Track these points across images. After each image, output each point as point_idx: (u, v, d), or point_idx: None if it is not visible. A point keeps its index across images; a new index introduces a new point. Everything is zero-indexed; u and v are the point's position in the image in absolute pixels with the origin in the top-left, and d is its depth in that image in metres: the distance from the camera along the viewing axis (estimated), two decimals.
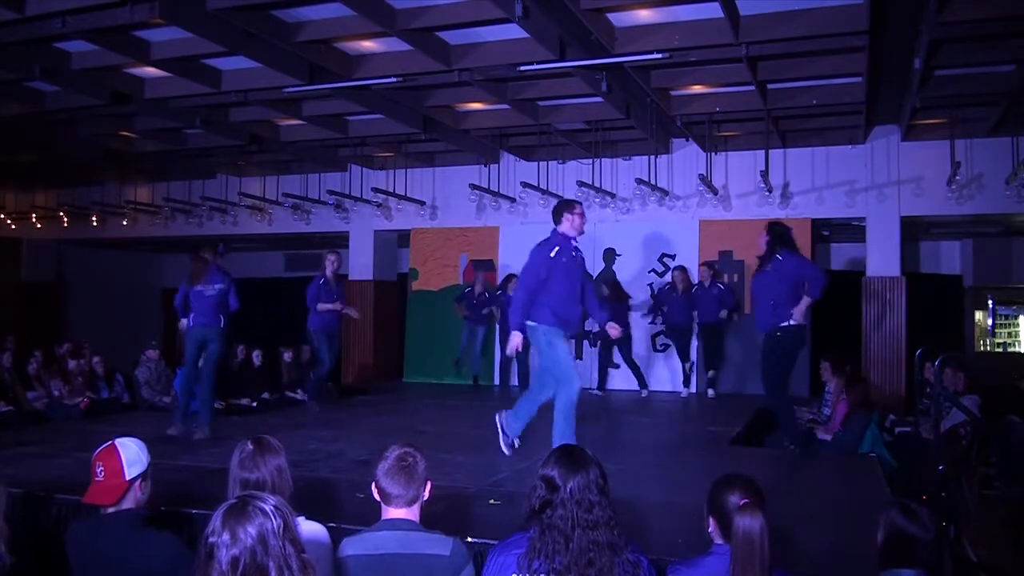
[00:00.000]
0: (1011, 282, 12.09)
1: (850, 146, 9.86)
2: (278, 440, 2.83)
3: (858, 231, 10.43)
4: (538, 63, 6.86)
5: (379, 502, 2.67)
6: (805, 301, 5.87)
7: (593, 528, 2.31)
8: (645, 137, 9.37)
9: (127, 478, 2.85)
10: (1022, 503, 5.73)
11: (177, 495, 4.12)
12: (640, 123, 8.93)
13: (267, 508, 1.74)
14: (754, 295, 6.48)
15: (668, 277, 10.11)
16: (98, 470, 2.86)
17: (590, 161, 10.06)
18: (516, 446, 5.72)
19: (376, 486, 2.64)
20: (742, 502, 2.43)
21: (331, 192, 11.49)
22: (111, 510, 2.85)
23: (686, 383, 9.91)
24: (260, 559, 1.68)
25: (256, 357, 9.57)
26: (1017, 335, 12.37)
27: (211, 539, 1.71)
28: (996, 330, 12.34)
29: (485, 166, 11.04)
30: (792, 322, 5.89)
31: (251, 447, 2.72)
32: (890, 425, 7.56)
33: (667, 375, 10.39)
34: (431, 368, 11.50)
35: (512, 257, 11.07)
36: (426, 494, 2.67)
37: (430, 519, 2.72)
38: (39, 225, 13.87)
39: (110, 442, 2.92)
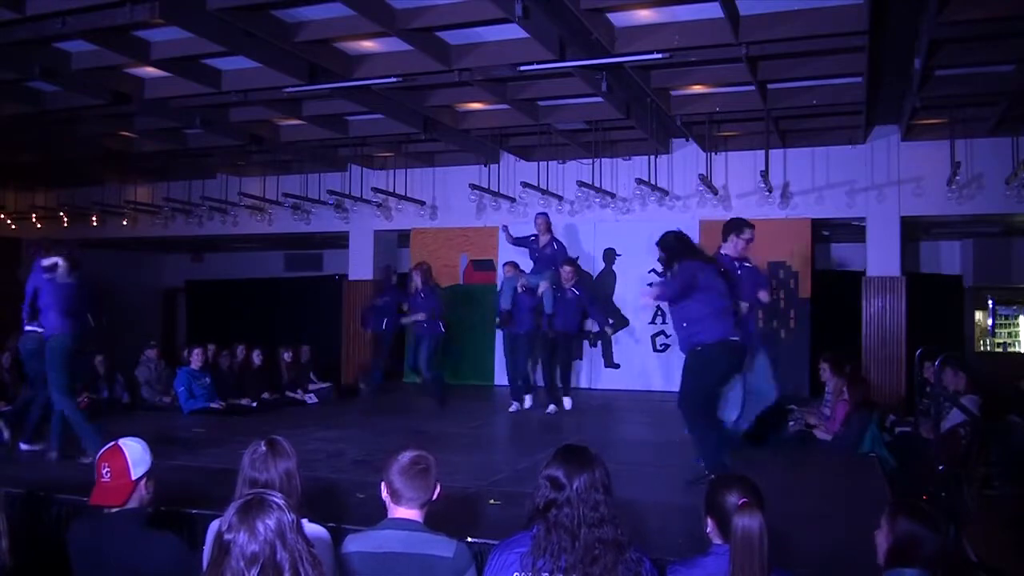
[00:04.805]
0: (1011, 282, 12.07)
1: (850, 146, 9.84)
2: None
3: (858, 231, 10.42)
4: (538, 63, 6.85)
5: (385, 501, 2.67)
6: None
7: (598, 526, 2.32)
8: (645, 137, 9.36)
9: (133, 478, 2.86)
10: (1022, 503, 5.73)
11: (177, 495, 4.12)
12: (640, 123, 8.92)
13: (282, 503, 1.75)
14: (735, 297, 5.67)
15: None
16: (104, 471, 2.85)
17: (590, 161, 10.05)
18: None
19: (388, 486, 2.64)
20: (740, 502, 2.43)
21: (331, 192, 11.48)
22: (115, 509, 2.85)
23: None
24: (278, 554, 1.68)
25: (256, 357, 9.59)
26: (1017, 335, 12.36)
27: (227, 536, 1.69)
28: (996, 330, 12.32)
29: (485, 166, 11.03)
30: None
31: (264, 449, 2.69)
32: (890, 425, 7.54)
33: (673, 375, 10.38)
34: None
35: (512, 257, 11.08)
36: (434, 496, 2.69)
37: (430, 519, 2.72)
38: (39, 225, 13.86)
39: (113, 443, 2.92)
